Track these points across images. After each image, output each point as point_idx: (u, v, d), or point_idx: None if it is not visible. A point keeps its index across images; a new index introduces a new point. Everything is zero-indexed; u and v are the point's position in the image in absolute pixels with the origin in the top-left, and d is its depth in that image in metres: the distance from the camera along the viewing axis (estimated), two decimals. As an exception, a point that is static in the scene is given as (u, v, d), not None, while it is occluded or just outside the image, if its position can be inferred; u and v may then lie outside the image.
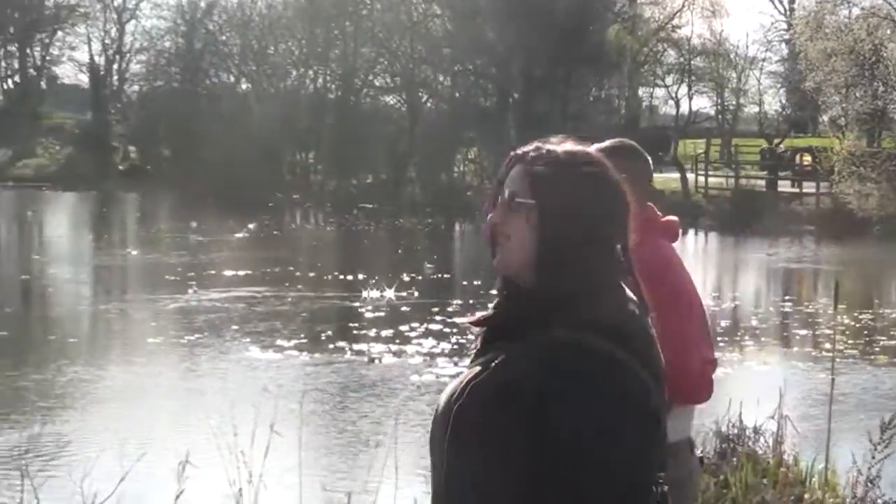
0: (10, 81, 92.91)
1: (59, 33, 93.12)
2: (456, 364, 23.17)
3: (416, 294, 32.94)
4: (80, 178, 76.32)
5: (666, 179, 72.82)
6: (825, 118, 70.06)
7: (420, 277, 36.27)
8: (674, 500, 5.96)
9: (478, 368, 3.45)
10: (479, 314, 3.63)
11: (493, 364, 3.40)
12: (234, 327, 27.61)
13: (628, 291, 3.66)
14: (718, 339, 27.62)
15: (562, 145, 3.62)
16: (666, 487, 3.52)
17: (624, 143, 5.92)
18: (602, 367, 3.26)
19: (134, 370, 23.08)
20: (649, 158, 5.98)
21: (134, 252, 46.52)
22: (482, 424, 3.34)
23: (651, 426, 3.36)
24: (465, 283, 36.40)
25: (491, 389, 3.34)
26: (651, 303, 5.47)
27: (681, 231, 6.13)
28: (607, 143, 5.76)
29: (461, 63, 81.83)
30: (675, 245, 6.09)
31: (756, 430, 14.69)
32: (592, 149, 3.66)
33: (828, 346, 22.81)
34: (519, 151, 3.63)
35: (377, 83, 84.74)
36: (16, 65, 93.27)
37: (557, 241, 3.44)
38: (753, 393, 15.90)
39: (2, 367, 22.72)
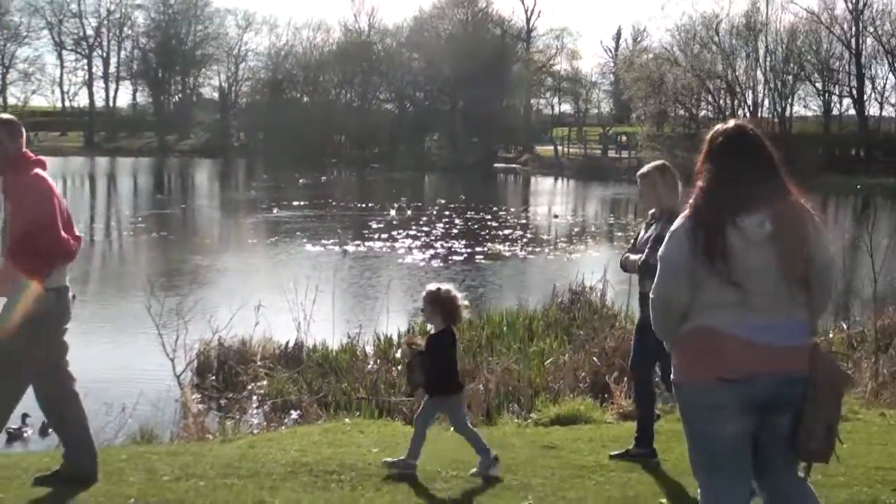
0: (177, 97, 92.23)
1: (203, 69, 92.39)
2: (423, 254, 23.29)
3: (403, 215, 32.96)
4: (213, 150, 76.41)
5: (546, 150, 73.21)
6: (634, 116, 70.26)
7: (404, 206, 36.28)
8: (53, 325, 5.41)
9: None
10: None
11: None
12: (298, 232, 27.57)
13: None
14: (574, 238, 27.83)
15: None
16: None
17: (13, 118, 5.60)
18: None
19: (240, 259, 23.14)
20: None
21: (241, 192, 46.42)
22: None
23: None
24: (431, 210, 36.34)
25: None
26: (36, 206, 5.23)
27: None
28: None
29: (430, 85, 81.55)
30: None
31: (591, 288, 14.87)
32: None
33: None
34: None
35: (381, 97, 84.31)
36: (180, 87, 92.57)
37: None
38: (590, 268, 16.06)
39: (165, 258, 22.74)
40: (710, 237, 3.66)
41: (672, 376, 3.90)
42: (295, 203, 35.95)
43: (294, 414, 9.36)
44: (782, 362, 3.67)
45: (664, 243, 3.84)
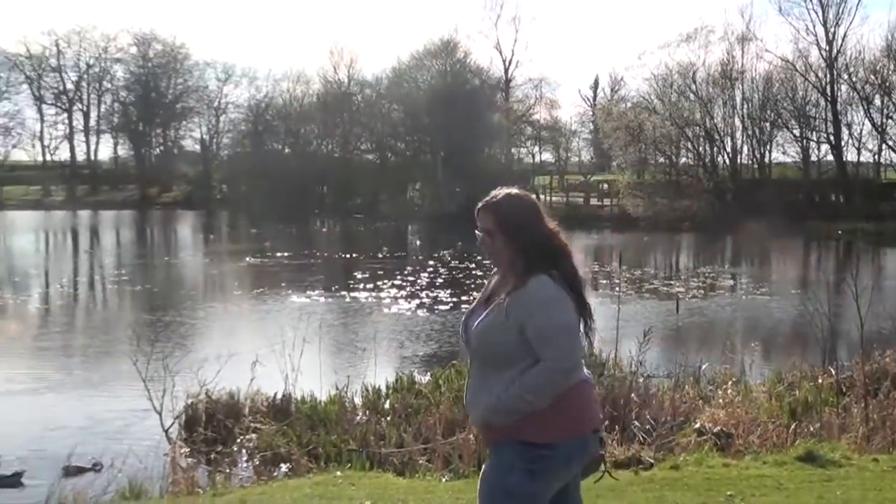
0: (158, 150, 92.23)
1: (184, 122, 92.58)
2: (409, 304, 23.20)
3: (386, 264, 32.84)
4: (196, 202, 76.60)
5: (528, 199, 73.22)
6: (614, 164, 70.74)
7: (388, 255, 36.22)
8: None
9: None
10: None
11: None
12: (283, 283, 27.43)
13: None
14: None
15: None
16: None
17: None
18: None
19: (226, 310, 23.01)
20: None
21: (224, 243, 46.22)
22: None
23: None
24: (414, 258, 36.28)
25: None
26: None
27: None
28: None
29: (410, 135, 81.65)
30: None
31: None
32: None
33: (616, 289, 22.97)
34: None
35: (362, 147, 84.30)
36: (161, 140, 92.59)
37: None
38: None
39: (151, 310, 22.54)
40: (580, 296, 3.79)
41: (540, 438, 3.62)
42: (279, 254, 35.88)
43: (284, 467, 9.31)
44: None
45: (557, 308, 3.65)
